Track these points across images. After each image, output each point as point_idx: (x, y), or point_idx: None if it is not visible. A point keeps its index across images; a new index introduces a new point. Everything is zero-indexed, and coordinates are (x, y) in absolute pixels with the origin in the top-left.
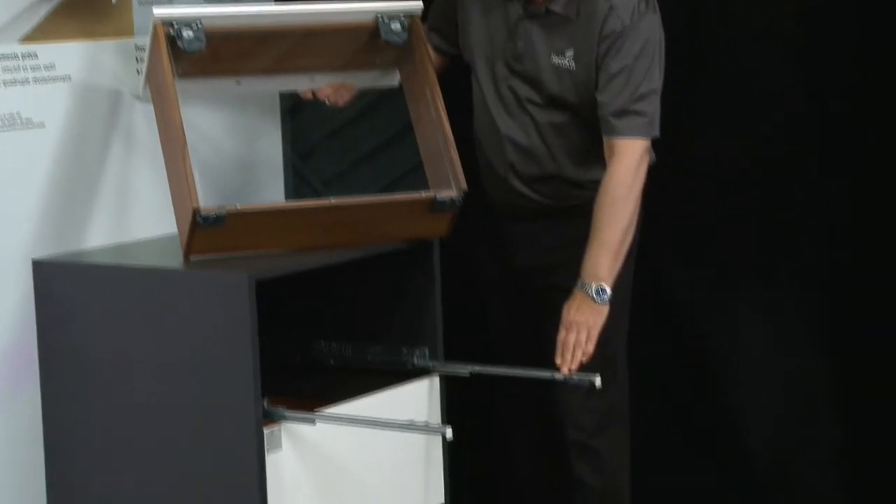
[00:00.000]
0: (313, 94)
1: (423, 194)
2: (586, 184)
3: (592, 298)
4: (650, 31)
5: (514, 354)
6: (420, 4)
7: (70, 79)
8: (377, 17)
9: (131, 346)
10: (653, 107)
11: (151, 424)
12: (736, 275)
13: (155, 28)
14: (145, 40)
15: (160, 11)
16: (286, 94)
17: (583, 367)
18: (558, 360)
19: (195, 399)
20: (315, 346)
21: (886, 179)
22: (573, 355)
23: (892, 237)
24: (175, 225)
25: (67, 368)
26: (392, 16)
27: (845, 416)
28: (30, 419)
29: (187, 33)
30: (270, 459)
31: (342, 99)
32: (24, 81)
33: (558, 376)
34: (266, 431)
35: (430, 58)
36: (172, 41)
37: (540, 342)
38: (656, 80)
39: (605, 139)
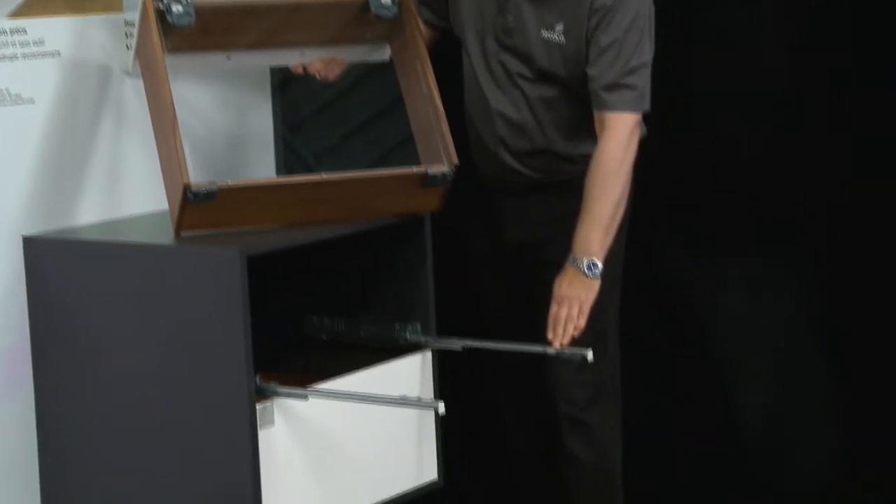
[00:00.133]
0: (304, 68)
1: (415, 169)
2: (577, 158)
3: (584, 273)
4: (640, 4)
5: (506, 329)
6: None
7: (59, 54)
8: None
9: (123, 323)
10: (643, 80)
11: (143, 401)
12: (728, 249)
13: (144, 3)
14: (135, 15)
15: None
16: (277, 68)
17: (574, 342)
18: (550, 335)
19: (187, 375)
20: (307, 322)
21: (882, 154)
22: (565, 330)
23: (888, 213)
24: (166, 201)
25: (59, 345)
26: None
27: (839, 389)
28: (23, 397)
29: (177, 8)
30: (263, 435)
31: (332, 73)
32: (13, 57)
33: (550, 350)
34: (258, 407)
35: (420, 32)
36: (162, 16)
37: (532, 317)
38: (647, 53)
39: (595, 113)
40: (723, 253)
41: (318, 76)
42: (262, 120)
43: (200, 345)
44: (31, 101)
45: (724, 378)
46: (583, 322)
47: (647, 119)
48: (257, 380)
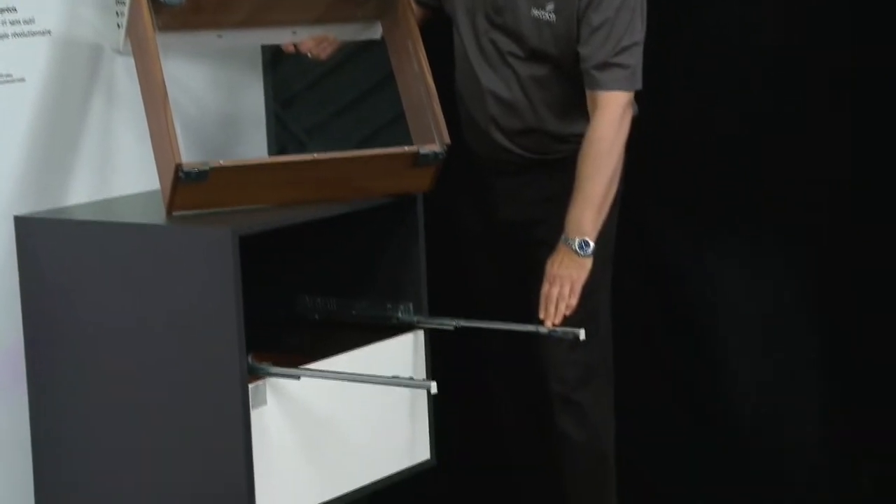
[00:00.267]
0: (295, 47)
1: (407, 148)
2: (568, 137)
3: (576, 252)
4: None
5: (499, 308)
6: None
7: (50, 33)
8: None
9: (114, 302)
10: (635, 59)
11: (135, 381)
12: (720, 228)
13: None
14: None
15: None
16: (268, 46)
17: (566, 321)
18: (541, 314)
19: (179, 355)
20: (299, 302)
21: (876, 132)
22: (557, 309)
23: (881, 191)
24: (158, 180)
25: (50, 325)
26: None
27: (830, 369)
28: (14, 379)
29: None
30: (255, 415)
31: (324, 52)
32: (4, 36)
33: (542, 330)
34: (251, 387)
35: (412, 10)
36: None
37: (524, 296)
38: (638, 32)
39: (587, 92)
40: (714, 232)
41: (309, 55)
42: (253, 98)
43: (192, 324)
44: (22, 79)
45: (716, 357)
46: (574, 301)
47: (638, 97)
48: (249, 359)
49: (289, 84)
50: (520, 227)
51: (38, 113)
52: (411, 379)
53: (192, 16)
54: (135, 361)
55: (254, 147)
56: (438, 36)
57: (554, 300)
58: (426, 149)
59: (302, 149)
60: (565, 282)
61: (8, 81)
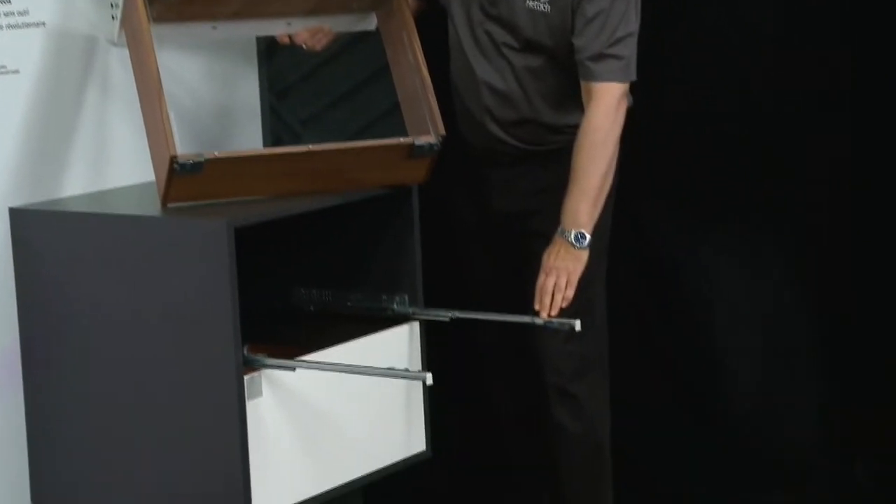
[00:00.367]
0: (290, 38)
1: (402, 140)
2: (563, 128)
3: (572, 244)
4: None
5: (494, 300)
6: None
7: (44, 25)
8: None
9: (110, 294)
10: (630, 50)
11: (131, 372)
12: (715, 219)
13: None
14: None
15: None
16: (263, 37)
17: (562, 313)
18: (537, 306)
19: (175, 347)
20: (295, 293)
21: (868, 120)
22: (553, 300)
23: (874, 178)
24: (153, 172)
25: (46, 316)
26: None
27: (824, 358)
28: (9, 366)
29: None
30: (251, 406)
31: (319, 43)
32: None
33: (538, 321)
34: (246, 378)
35: (406, 1)
36: None
37: (519, 287)
38: (633, 23)
39: (582, 83)
40: (710, 222)
41: (304, 46)
42: (248, 90)
43: (188, 316)
44: (17, 71)
45: (713, 351)
46: (571, 293)
47: (633, 88)
48: (245, 351)
49: (284, 75)
50: (515, 219)
51: (33, 105)
52: (407, 370)
53: (186, 7)
54: (130, 353)
55: (249, 139)
56: (433, 27)
57: (550, 292)
58: (421, 140)
59: (297, 140)
60: (562, 274)
61: (2, 73)
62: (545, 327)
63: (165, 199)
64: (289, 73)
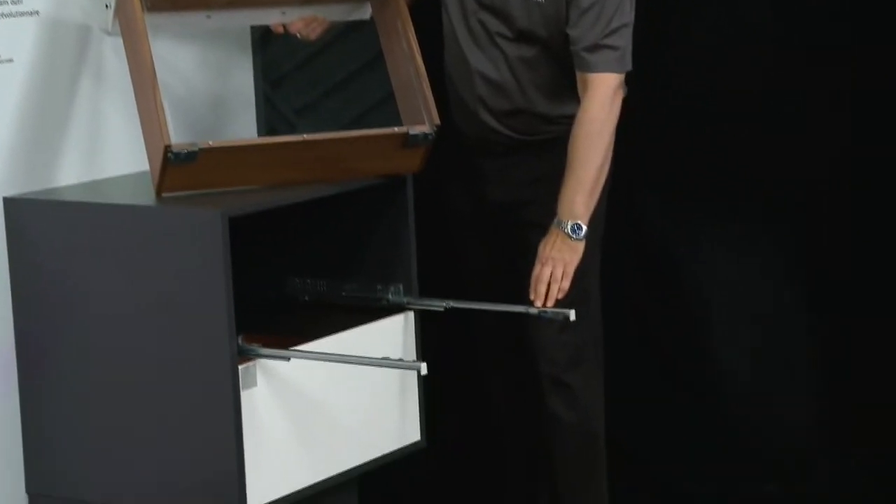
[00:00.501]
0: (284, 28)
1: (397, 129)
2: (557, 119)
3: (568, 235)
4: None
5: (489, 290)
6: None
7: (38, 13)
8: None
9: (104, 284)
10: (625, 40)
11: (125, 362)
12: (710, 209)
13: None
14: None
15: None
16: (257, 26)
17: (557, 303)
18: (533, 296)
19: (169, 337)
20: (289, 283)
21: (868, 112)
22: (549, 291)
23: (870, 168)
24: (147, 161)
25: (40, 306)
26: None
27: (821, 349)
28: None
29: None
30: (245, 396)
31: (314, 33)
32: None
33: (532, 310)
34: (241, 368)
35: None
36: None
37: (513, 277)
38: (628, 13)
39: (578, 74)
40: (705, 212)
41: (298, 36)
42: (242, 79)
43: (182, 306)
44: (10, 60)
45: (708, 339)
46: (567, 284)
47: (629, 79)
48: (239, 341)
49: (278, 65)
50: (509, 208)
51: (27, 94)
52: (401, 360)
53: None
54: (125, 343)
55: (243, 128)
56: (428, 16)
57: (545, 281)
58: (416, 130)
59: (291, 130)
60: (558, 264)
61: None
62: (540, 317)
63: (160, 189)
64: (283, 62)
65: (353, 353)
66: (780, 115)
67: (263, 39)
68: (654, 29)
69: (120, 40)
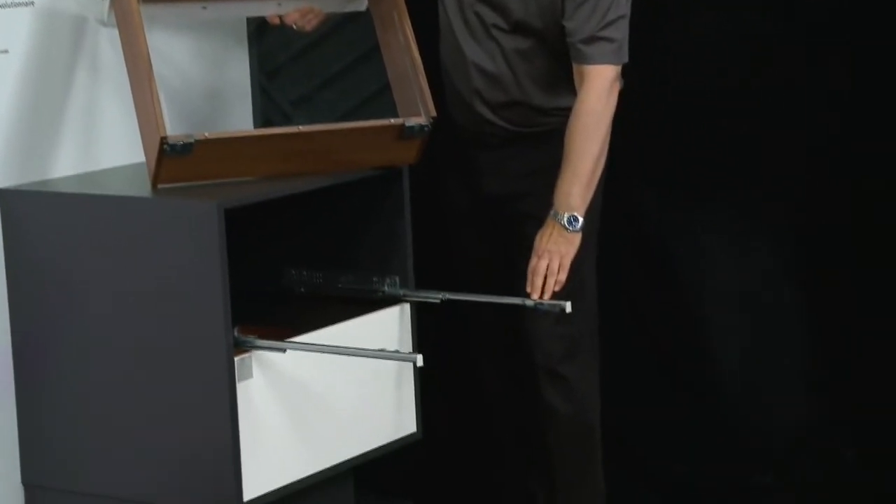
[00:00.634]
0: (280, 19)
1: (393, 121)
2: (552, 111)
3: (564, 227)
4: None
5: (485, 282)
6: None
7: (33, 4)
8: None
9: (100, 276)
10: (621, 32)
11: (121, 354)
12: (706, 200)
13: None
14: None
15: None
16: (253, 17)
17: (553, 295)
18: (529, 288)
19: (166, 328)
20: (285, 275)
21: (863, 101)
22: (545, 283)
23: (870, 164)
24: (143, 153)
25: (35, 298)
26: None
27: (817, 340)
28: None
29: None
30: (241, 388)
31: (309, 24)
32: None
33: (528, 303)
34: (236, 360)
35: None
36: None
37: (509, 269)
38: (624, 5)
39: (574, 66)
40: (702, 203)
41: (294, 27)
42: (238, 70)
43: (178, 298)
44: (5, 51)
45: (704, 330)
46: (564, 277)
47: (625, 70)
48: (235, 332)
49: (274, 56)
50: (505, 201)
51: (22, 85)
52: (397, 352)
53: None
54: (120, 334)
55: (239, 119)
56: (424, 8)
57: (541, 274)
58: (412, 121)
59: (287, 121)
60: (554, 257)
61: None
62: (536, 309)
63: (155, 181)
64: (279, 53)
65: (349, 345)
66: (778, 110)
67: (259, 31)
68: (652, 21)
69: (116, 31)
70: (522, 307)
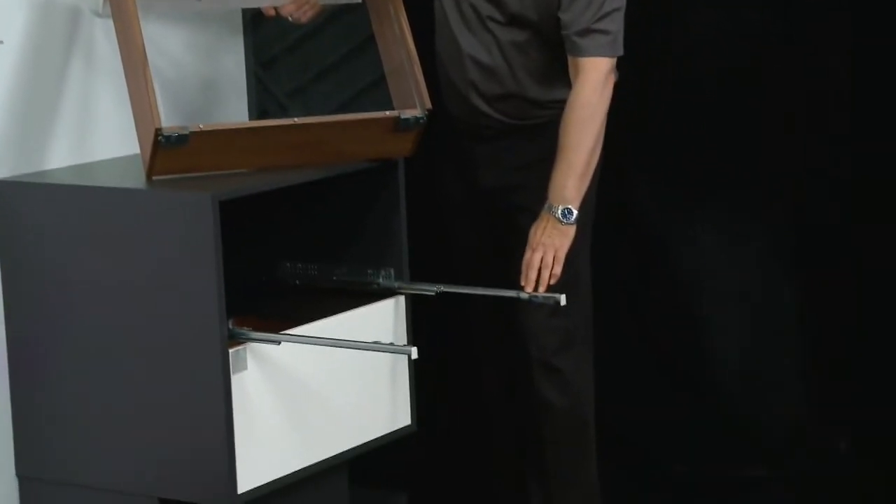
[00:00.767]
0: (276, 10)
1: (388, 113)
2: (548, 103)
3: (559, 220)
4: None
5: (480, 274)
6: None
7: None
8: None
9: (95, 267)
10: (617, 25)
11: (115, 346)
12: (701, 193)
13: None
14: None
15: None
16: (248, 9)
17: (548, 288)
18: (523, 281)
19: (160, 320)
20: (280, 267)
21: (859, 96)
22: (540, 276)
23: (870, 161)
24: (137, 145)
25: (30, 290)
26: None
27: (813, 334)
28: None
29: None
30: (236, 380)
31: (305, 16)
32: None
33: (523, 295)
34: (231, 352)
35: None
36: None
37: (504, 262)
38: None
39: (569, 59)
40: (696, 197)
41: (290, 18)
42: (234, 62)
43: (173, 289)
44: (0, 42)
45: (699, 324)
46: (559, 270)
47: (620, 63)
48: (230, 324)
49: (269, 47)
50: (500, 193)
51: (17, 76)
52: (392, 344)
53: None
54: (115, 327)
55: (234, 111)
56: (420, 0)
57: (536, 267)
58: (407, 113)
59: (283, 113)
60: (548, 250)
61: None
62: (530, 301)
63: (150, 172)
64: (274, 45)
65: (344, 337)
66: (776, 105)
67: (254, 22)
68: (648, 14)
69: (110, 22)
70: (517, 300)
